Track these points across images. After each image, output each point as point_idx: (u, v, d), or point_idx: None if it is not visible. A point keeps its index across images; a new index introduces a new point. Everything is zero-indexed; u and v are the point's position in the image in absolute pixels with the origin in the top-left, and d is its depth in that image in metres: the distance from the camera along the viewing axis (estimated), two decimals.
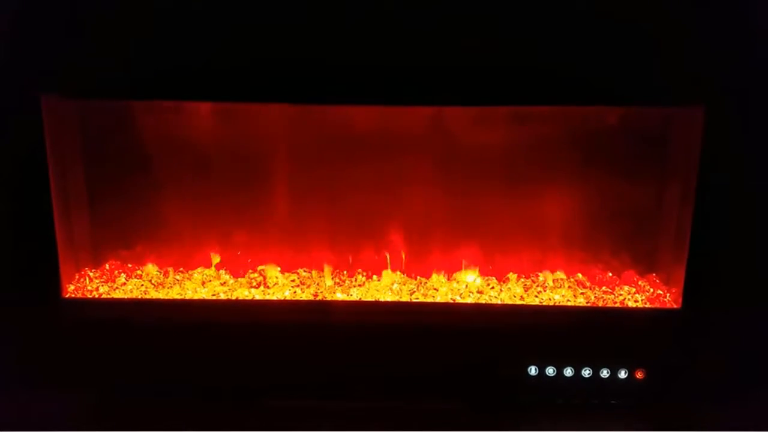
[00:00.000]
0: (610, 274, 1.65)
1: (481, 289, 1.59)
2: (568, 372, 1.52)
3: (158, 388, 1.51)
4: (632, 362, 1.51)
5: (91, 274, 1.61)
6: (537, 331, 1.52)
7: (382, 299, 1.56)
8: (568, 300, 1.57)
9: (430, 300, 1.57)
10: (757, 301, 1.49)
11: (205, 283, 1.61)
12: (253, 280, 1.62)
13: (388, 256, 1.65)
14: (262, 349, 1.51)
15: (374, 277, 1.64)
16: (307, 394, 1.52)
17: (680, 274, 1.49)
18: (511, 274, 1.64)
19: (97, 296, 1.55)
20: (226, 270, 1.64)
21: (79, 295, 1.55)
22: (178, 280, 1.62)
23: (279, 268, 1.65)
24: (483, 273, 1.64)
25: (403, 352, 1.51)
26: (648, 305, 1.55)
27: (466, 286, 1.60)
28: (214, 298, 1.56)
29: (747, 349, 1.52)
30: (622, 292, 1.59)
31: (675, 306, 1.53)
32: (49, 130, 1.42)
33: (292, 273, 1.65)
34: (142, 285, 1.59)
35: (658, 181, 1.58)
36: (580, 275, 1.65)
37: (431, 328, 1.52)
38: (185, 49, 1.36)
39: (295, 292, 1.58)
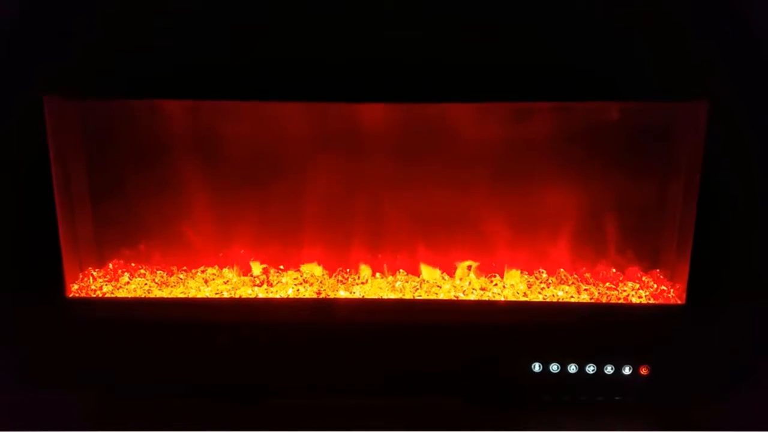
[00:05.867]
0: (614, 270, 1.65)
1: (484, 285, 1.59)
2: (572, 369, 1.51)
3: (161, 388, 1.51)
4: (636, 358, 1.51)
5: (94, 273, 1.62)
6: (540, 327, 1.52)
7: (385, 297, 1.56)
8: (572, 296, 1.56)
9: (433, 297, 1.56)
10: (762, 296, 1.48)
11: (208, 281, 1.61)
12: (256, 279, 1.62)
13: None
14: (265, 347, 1.51)
15: (377, 274, 1.64)
16: (310, 392, 1.52)
17: (684, 270, 1.48)
18: (514, 270, 1.64)
19: (100, 295, 1.56)
20: (230, 268, 1.65)
21: (83, 295, 1.55)
22: (181, 279, 1.62)
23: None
24: (485, 270, 1.64)
25: (406, 349, 1.51)
26: (652, 301, 1.54)
27: (469, 283, 1.60)
28: (217, 296, 1.56)
29: (752, 345, 1.51)
30: (626, 288, 1.59)
31: (679, 302, 1.52)
32: (52, 130, 1.42)
33: (296, 271, 1.65)
34: (146, 284, 1.60)
35: (661, 177, 1.57)
36: (584, 271, 1.65)
37: (434, 326, 1.52)
38: (185, 49, 1.36)
39: (298, 290, 1.58)
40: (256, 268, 1.65)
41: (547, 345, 1.52)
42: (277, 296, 1.57)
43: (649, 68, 1.37)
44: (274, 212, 1.66)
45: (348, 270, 1.65)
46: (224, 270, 1.65)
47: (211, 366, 1.52)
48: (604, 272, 1.64)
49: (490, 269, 1.64)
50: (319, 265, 1.66)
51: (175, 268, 1.66)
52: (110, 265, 1.66)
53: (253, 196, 1.65)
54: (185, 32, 1.35)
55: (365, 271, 1.65)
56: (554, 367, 1.51)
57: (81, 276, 1.60)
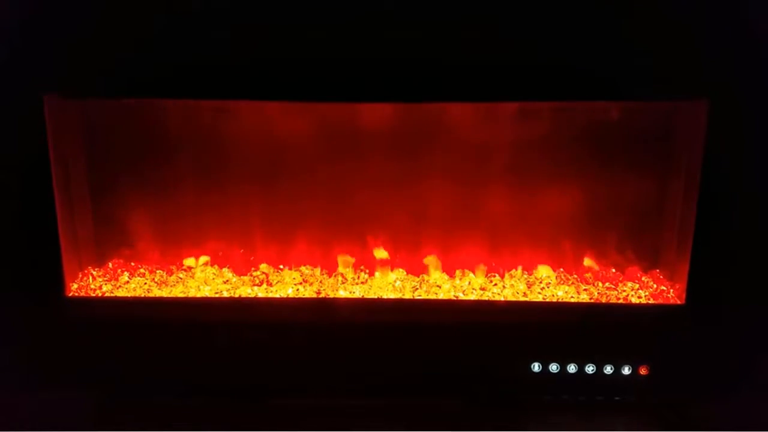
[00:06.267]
0: (614, 270, 1.65)
1: (484, 285, 1.59)
2: (572, 368, 1.51)
3: (161, 387, 1.51)
4: (636, 358, 1.51)
5: (94, 272, 1.62)
6: (540, 327, 1.52)
7: (384, 296, 1.56)
8: (572, 296, 1.56)
9: (432, 297, 1.56)
10: (762, 296, 1.48)
11: (208, 281, 1.61)
12: (255, 278, 1.62)
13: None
14: (264, 347, 1.51)
15: (377, 274, 1.64)
16: (310, 393, 1.52)
17: (684, 270, 1.49)
18: (514, 270, 1.64)
19: (100, 295, 1.56)
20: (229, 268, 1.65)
21: (83, 294, 1.55)
22: (181, 278, 1.62)
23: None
24: (486, 269, 1.64)
25: (406, 349, 1.51)
26: (652, 301, 1.54)
27: (469, 282, 1.60)
28: (216, 296, 1.56)
29: (751, 345, 1.51)
30: (625, 288, 1.58)
31: (679, 302, 1.52)
32: (52, 130, 1.42)
33: (295, 270, 1.65)
34: (145, 283, 1.60)
35: (661, 177, 1.57)
36: (583, 271, 1.65)
37: (434, 326, 1.52)
38: (185, 49, 1.36)
39: (297, 289, 1.58)
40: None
41: (546, 345, 1.52)
42: (277, 296, 1.57)
43: (649, 68, 1.37)
44: (275, 211, 1.66)
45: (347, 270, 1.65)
46: (224, 270, 1.65)
47: (211, 366, 1.52)
48: (604, 272, 1.64)
49: (489, 269, 1.64)
50: (314, 267, 1.66)
51: (174, 268, 1.65)
52: (110, 265, 1.66)
53: (254, 195, 1.64)
54: (185, 32, 1.35)
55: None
56: (554, 367, 1.51)
57: (81, 275, 1.60)
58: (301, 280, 1.61)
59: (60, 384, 1.50)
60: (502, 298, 1.56)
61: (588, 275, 1.64)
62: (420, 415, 1.47)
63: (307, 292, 1.57)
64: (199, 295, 1.57)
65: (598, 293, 1.57)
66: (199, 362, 1.52)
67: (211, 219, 1.67)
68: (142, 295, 1.57)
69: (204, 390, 1.51)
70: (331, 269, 1.66)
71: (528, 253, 1.66)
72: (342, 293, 1.57)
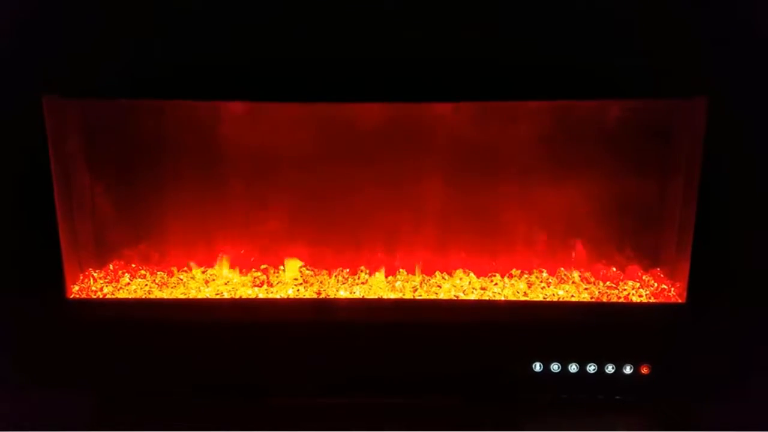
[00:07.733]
0: (614, 269, 1.64)
1: (484, 285, 1.59)
2: (573, 368, 1.51)
3: (161, 387, 1.51)
4: (637, 358, 1.50)
5: (95, 274, 1.62)
6: (541, 327, 1.52)
7: (385, 297, 1.56)
8: (572, 295, 1.56)
9: (433, 297, 1.56)
10: (762, 295, 1.48)
11: (209, 282, 1.61)
12: (256, 279, 1.62)
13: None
14: (265, 347, 1.51)
15: (377, 274, 1.64)
16: (310, 392, 1.52)
17: (684, 269, 1.48)
18: (514, 270, 1.64)
19: (101, 296, 1.56)
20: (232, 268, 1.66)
21: (84, 296, 1.55)
22: (181, 279, 1.62)
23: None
24: (486, 269, 1.64)
25: (406, 349, 1.51)
26: (652, 300, 1.54)
27: (469, 282, 1.60)
28: (217, 297, 1.56)
29: (752, 344, 1.51)
30: (626, 287, 1.58)
31: (679, 301, 1.52)
32: (52, 131, 1.42)
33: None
34: (146, 285, 1.60)
35: (661, 175, 1.57)
36: (584, 270, 1.65)
37: (434, 326, 1.51)
38: (185, 49, 1.36)
39: (298, 290, 1.58)
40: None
41: (547, 344, 1.52)
42: (277, 296, 1.57)
43: (648, 66, 1.37)
44: (275, 212, 1.66)
45: (347, 270, 1.65)
46: (223, 270, 1.65)
47: (211, 366, 1.52)
48: (605, 271, 1.64)
49: (490, 268, 1.64)
50: (310, 268, 1.66)
51: (175, 269, 1.65)
52: (110, 266, 1.66)
53: (254, 195, 1.65)
54: (185, 32, 1.36)
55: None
56: (555, 367, 1.51)
57: (81, 277, 1.60)
58: (301, 281, 1.61)
59: (60, 384, 1.50)
60: (503, 298, 1.56)
61: (587, 273, 1.64)
62: (420, 415, 1.47)
63: (308, 293, 1.57)
64: (199, 296, 1.57)
65: (599, 292, 1.57)
66: (199, 363, 1.52)
67: (211, 219, 1.67)
68: (143, 297, 1.57)
69: (204, 390, 1.51)
70: (330, 269, 1.66)
71: (528, 253, 1.66)
72: (342, 293, 1.57)
